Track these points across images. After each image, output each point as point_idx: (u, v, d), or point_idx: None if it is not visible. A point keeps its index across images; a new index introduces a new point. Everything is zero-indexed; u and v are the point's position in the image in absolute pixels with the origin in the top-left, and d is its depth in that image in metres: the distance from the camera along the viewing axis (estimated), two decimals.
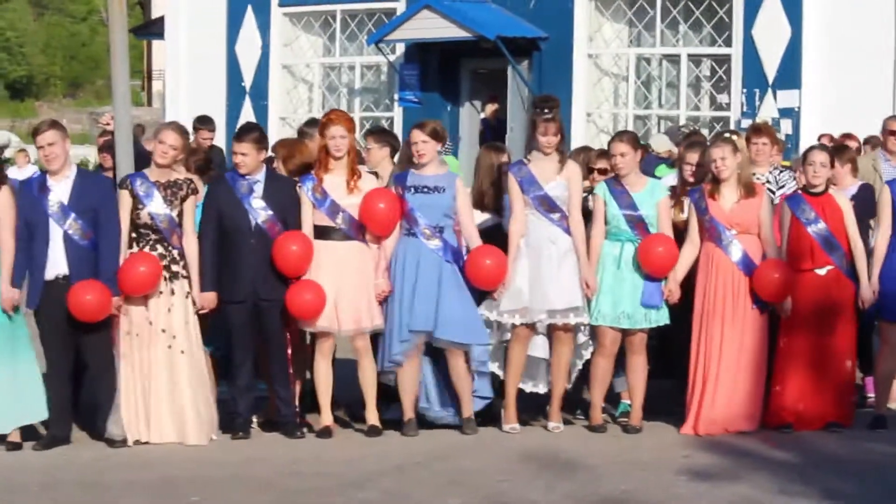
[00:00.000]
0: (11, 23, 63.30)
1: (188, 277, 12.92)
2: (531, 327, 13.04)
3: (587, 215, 13.27)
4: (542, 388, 13.33)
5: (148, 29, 36.60)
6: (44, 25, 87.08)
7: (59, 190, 12.71)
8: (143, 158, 14.29)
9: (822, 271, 13.01)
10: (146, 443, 12.84)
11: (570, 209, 13.02)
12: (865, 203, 13.60)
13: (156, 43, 41.11)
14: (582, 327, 13.12)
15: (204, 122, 19.14)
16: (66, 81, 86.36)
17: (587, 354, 13.24)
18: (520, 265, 12.96)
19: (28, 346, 12.87)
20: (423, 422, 13.24)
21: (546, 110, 13.19)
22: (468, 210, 13.08)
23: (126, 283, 12.60)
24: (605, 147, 14.59)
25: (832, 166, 13.36)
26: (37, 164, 27.51)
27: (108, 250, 12.67)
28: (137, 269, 12.65)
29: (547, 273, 12.92)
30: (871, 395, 13.74)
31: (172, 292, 12.85)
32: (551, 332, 13.11)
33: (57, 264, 12.65)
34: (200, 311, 12.98)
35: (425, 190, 12.98)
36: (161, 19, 32.73)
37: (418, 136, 13.06)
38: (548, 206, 12.99)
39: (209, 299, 12.93)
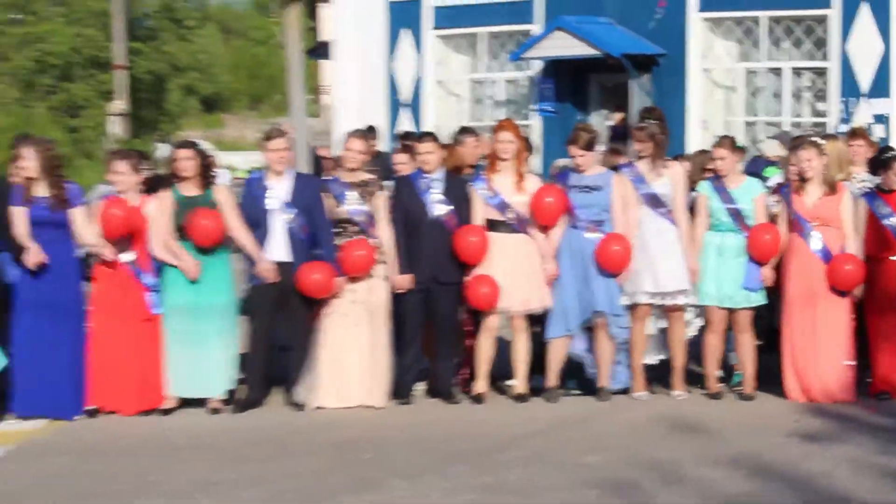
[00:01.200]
0: (204, 47, 63.70)
1: (385, 262, 13.04)
2: (648, 308, 13.03)
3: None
4: (655, 360, 13.41)
5: (318, 51, 36.77)
6: (230, 49, 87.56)
7: (279, 189, 12.98)
8: (318, 163, 14.41)
9: None
10: (327, 408, 12.97)
11: (675, 204, 13.03)
12: None
13: (324, 62, 41.26)
14: (689, 307, 13.17)
15: (371, 132, 19.26)
16: (249, 97, 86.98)
17: (692, 331, 13.31)
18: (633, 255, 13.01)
19: (233, 329, 13.08)
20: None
21: (640, 120, 13.47)
22: (619, 204, 13.03)
23: (349, 265, 12.82)
24: None
25: None
26: (226, 169, 27.64)
27: (326, 240, 12.96)
28: (356, 252, 12.85)
29: (656, 260, 12.94)
30: None
31: (371, 276, 12.99)
32: (663, 312, 13.14)
33: (277, 252, 12.89)
34: (397, 292, 13.09)
35: (586, 189, 13.02)
36: (328, 43, 32.90)
37: (576, 151, 13.07)
38: (654, 202, 13.02)
39: (406, 280, 13.05)
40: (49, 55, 55.53)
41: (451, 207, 13.09)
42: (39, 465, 11.25)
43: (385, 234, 13.04)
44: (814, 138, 13.92)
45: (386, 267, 13.04)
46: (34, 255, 12.37)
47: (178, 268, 12.69)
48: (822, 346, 12.75)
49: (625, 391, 13.31)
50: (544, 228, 13.05)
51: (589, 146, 13.10)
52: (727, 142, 13.40)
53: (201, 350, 12.79)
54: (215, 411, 12.97)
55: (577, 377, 13.51)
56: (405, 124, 27.25)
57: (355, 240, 12.93)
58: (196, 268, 12.64)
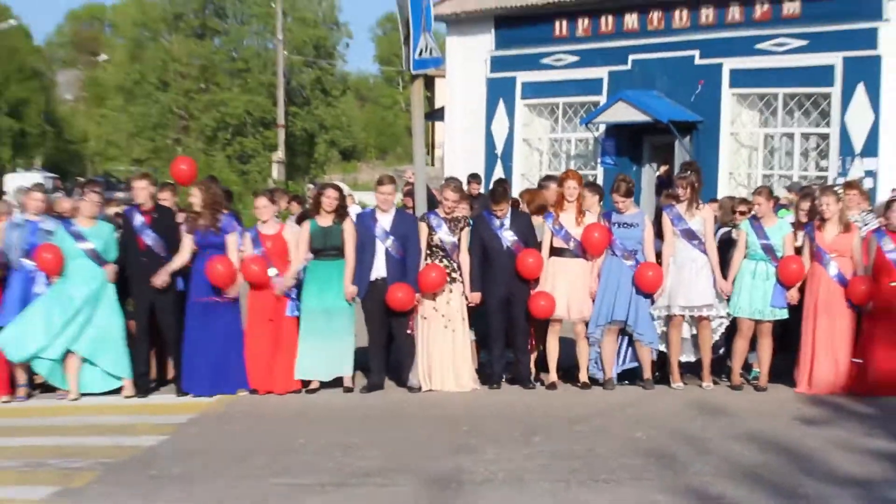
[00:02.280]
0: (344, 111, 64.20)
1: (462, 281, 13.09)
2: (681, 318, 12.99)
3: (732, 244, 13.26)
4: (692, 357, 13.29)
5: (433, 114, 37.01)
6: (364, 112, 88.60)
7: (384, 221, 13.07)
8: (432, 200, 14.51)
9: (895, 284, 12.73)
10: (432, 390, 13.06)
11: (705, 238, 12.99)
12: None
13: (438, 124, 41.51)
14: (715, 317, 13.04)
15: (475, 177, 19.44)
16: (378, 149, 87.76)
17: (716, 336, 13.14)
18: (670, 277, 12.98)
19: (351, 325, 13.16)
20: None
21: (682, 171, 13.38)
22: (650, 239, 13.08)
23: (424, 283, 12.90)
24: (744, 196, 14.62)
25: None
26: (359, 205, 27.83)
27: (412, 263, 13.03)
28: (430, 274, 12.92)
29: (688, 281, 12.90)
30: None
31: (451, 291, 13.06)
32: (695, 322, 13.07)
33: (378, 270, 13.00)
34: (470, 305, 13.16)
35: (624, 226, 13.04)
36: (442, 108, 33.06)
37: (618, 198, 13.17)
38: (689, 235, 12.97)
39: (476, 297, 13.11)
40: (227, 116, 56.25)
41: (517, 238, 13.15)
42: (215, 428, 11.45)
43: (464, 259, 13.12)
44: (836, 187, 14.00)
45: (460, 284, 13.10)
46: (161, 279, 12.75)
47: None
48: (836, 349, 12.69)
49: (665, 379, 13.28)
50: (591, 256, 13.09)
51: (627, 193, 13.16)
52: (765, 191, 13.35)
53: (333, 342, 12.95)
54: (348, 390, 13.11)
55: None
56: (498, 173, 27.31)
57: (431, 264, 13.03)
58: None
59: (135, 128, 57.92)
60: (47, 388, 13.27)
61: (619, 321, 12.98)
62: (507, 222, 13.19)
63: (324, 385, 13.16)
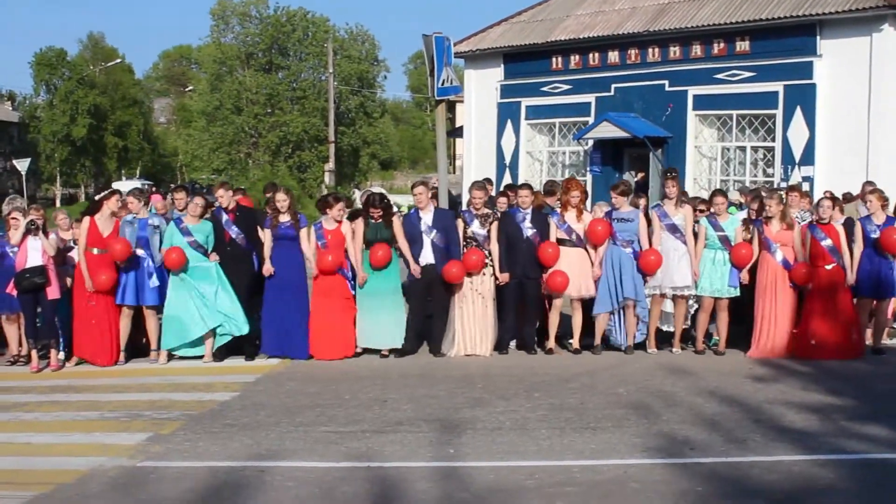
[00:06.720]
0: (383, 129, 64.25)
1: (493, 265, 13.00)
2: (663, 296, 12.94)
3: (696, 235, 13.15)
4: (671, 328, 13.21)
5: (454, 132, 36.95)
6: (399, 130, 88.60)
7: (426, 218, 13.07)
8: (452, 200, 14.43)
9: (829, 267, 12.60)
10: (455, 355, 12.96)
11: (685, 231, 12.89)
12: (848, 229, 13.09)
13: (458, 140, 41.43)
14: (690, 297, 12.97)
15: (488, 182, 19.28)
16: (410, 160, 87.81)
17: (692, 311, 13.12)
18: None
19: (401, 303, 13.10)
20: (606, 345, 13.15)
21: (669, 174, 13.31)
22: (644, 229, 12.92)
23: (467, 265, 12.88)
24: (705, 197, 14.52)
25: (833, 208, 13.10)
26: (396, 205, 27.81)
27: (455, 249, 13.00)
28: (472, 257, 12.88)
29: (672, 267, 12.80)
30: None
31: (484, 273, 12.97)
32: (674, 299, 12.98)
33: (427, 257, 12.97)
34: (500, 283, 13.05)
35: (622, 220, 12.91)
36: (461, 127, 33.04)
37: (614, 195, 13.12)
38: (673, 229, 12.89)
39: (505, 277, 13.00)
40: (289, 134, 56.31)
41: (535, 230, 13.05)
42: (277, 386, 11.40)
43: (494, 247, 13.01)
44: (780, 191, 13.94)
45: (491, 268, 13.00)
46: (267, 269, 12.76)
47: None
48: (780, 320, 12.60)
49: (641, 345, 13.15)
50: (595, 246, 12.98)
51: (625, 193, 13.17)
52: (722, 193, 13.36)
53: (388, 317, 12.89)
54: (385, 356, 13.02)
55: (606, 341, 13.31)
56: (507, 179, 27.26)
57: (472, 248, 12.95)
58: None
59: (214, 144, 57.99)
60: (142, 354, 13.27)
61: (630, 298, 12.82)
62: (528, 217, 13.12)
63: (366, 351, 13.08)
